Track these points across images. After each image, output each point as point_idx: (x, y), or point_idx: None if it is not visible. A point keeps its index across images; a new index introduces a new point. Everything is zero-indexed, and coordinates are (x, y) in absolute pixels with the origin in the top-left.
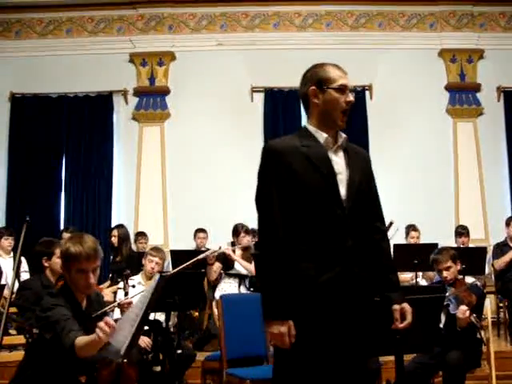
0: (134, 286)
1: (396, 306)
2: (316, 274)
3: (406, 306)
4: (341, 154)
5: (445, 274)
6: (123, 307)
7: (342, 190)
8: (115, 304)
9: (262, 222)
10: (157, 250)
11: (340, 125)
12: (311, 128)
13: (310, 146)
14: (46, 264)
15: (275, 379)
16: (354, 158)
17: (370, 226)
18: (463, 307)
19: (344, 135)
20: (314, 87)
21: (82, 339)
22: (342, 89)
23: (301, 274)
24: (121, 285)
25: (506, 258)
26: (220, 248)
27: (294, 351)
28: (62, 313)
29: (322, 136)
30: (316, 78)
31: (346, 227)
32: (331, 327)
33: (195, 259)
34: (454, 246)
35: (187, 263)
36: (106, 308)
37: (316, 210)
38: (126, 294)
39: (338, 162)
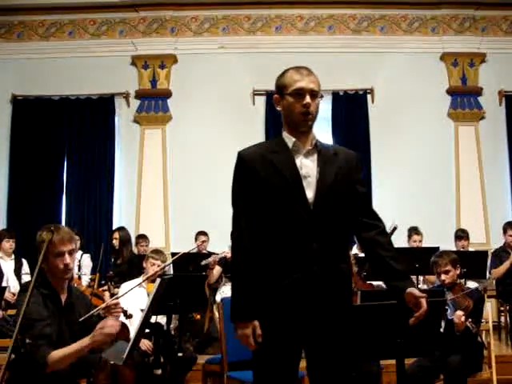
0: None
1: (411, 289)
2: (280, 276)
3: (417, 291)
4: (313, 157)
5: (443, 277)
6: (110, 309)
7: (310, 194)
8: (102, 306)
9: (232, 228)
10: (158, 252)
11: (302, 129)
12: (284, 134)
13: (277, 151)
14: None
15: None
16: (328, 161)
17: (365, 224)
18: (459, 312)
19: (317, 138)
20: (276, 95)
21: (56, 354)
22: (299, 92)
23: (265, 277)
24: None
25: (501, 270)
26: (223, 252)
27: (260, 351)
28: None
29: (290, 141)
30: (276, 85)
31: (311, 230)
32: (293, 329)
33: (180, 254)
34: (454, 249)
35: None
36: (93, 311)
37: (281, 214)
38: (112, 295)
39: (308, 165)
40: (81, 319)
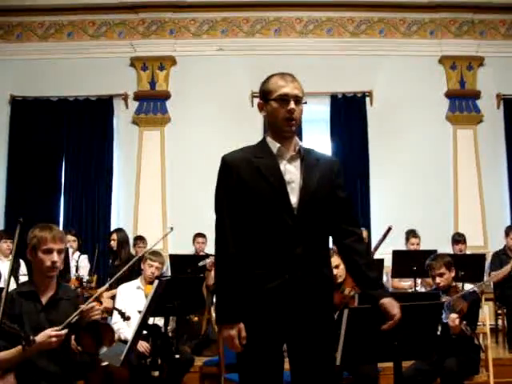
0: None
1: (384, 300)
2: (263, 281)
3: (392, 300)
4: (296, 163)
5: (438, 280)
6: (88, 313)
7: (294, 199)
8: (77, 312)
9: (215, 233)
10: (156, 254)
11: (286, 134)
12: (268, 139)
13: (262, 156)
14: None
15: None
16: (311, 167)
17: (342, 231)
18: (453, 315)
19: (300, 144)
20: (260, 101)
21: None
22: (283, 98)
23: (249, 281)
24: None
25: (501, 274)
26: None
27: (244, 354)
28: None
29: (275, 146)
30: (261, 91)
31: (295, 235)
32: (276, 333)
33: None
34: (451, 253)
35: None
36: (70, 318)
37: (265, 219)
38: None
39: (292, 171)
40: (60, 326)
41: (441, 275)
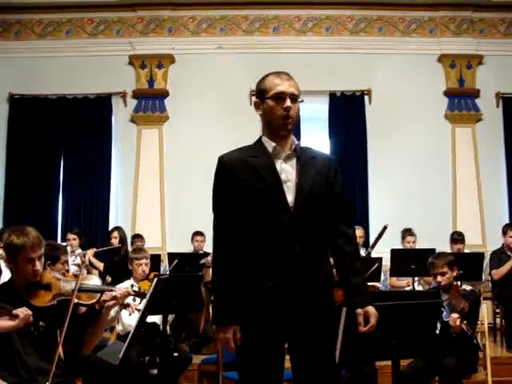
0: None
1: (359, 310)
2: (262, 280)
3: (369, 309)
4: (292, 161)
5: (439, 278)
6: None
7: (290, 198)
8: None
9: (213, 233)
10: (139, 251)
11: (282, 132)
12: (264, 138)
13: (257, 156)
14: (48, 268)
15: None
16: (306, 165)
17: (333, 230)
18: (454, 315)
19: (296, 142)
20: (256, 100)
21: None
22: (279, 96)
23: (247, 281)
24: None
25: (503, 270)
26: None
27: (244, 354)
28: None
29: (270, 145)
30: (257, 90)
31: (293, 234)
32: (276, 331)
33: None
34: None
35: None
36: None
37: (262, 219)
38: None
39: (287, 169)
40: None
41: (442, 274)
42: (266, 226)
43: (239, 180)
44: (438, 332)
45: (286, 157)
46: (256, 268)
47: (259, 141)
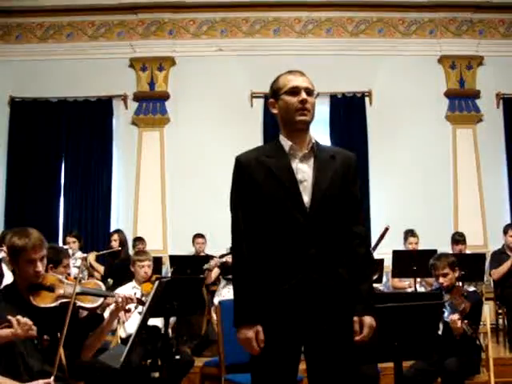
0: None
1: (355, 318)
2: (278, 282)
3: (365, 318)
4: (309, 161)
5: (441, 279)
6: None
7: (306, 198)
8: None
9: (231, 233)
10: (142, 253)
11: (300, 126)
12: (281, 138)
13: (273, 156)
14: (51, 272)
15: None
16: (324, 165)
17: (348, 232)
18: (455, 316)
19: (314, 141)
20: (271, 100)
21: None
22: (294, 91)
23: (264, 283)
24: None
25: (502, 270)
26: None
27: (259, 355)
28: None
29: (287, 144)
30: (271, 91)
31: (309, 235)
32: (292, 334)
33: None
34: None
35: None
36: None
37: (278, 220)
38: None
39: (304, 169)
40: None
41: (444, 275)
42: (281, 227)
43: (255, 180)
44: (440, 333)
45: (302, 156)
46: (272, 269)
47: (277, 140)
